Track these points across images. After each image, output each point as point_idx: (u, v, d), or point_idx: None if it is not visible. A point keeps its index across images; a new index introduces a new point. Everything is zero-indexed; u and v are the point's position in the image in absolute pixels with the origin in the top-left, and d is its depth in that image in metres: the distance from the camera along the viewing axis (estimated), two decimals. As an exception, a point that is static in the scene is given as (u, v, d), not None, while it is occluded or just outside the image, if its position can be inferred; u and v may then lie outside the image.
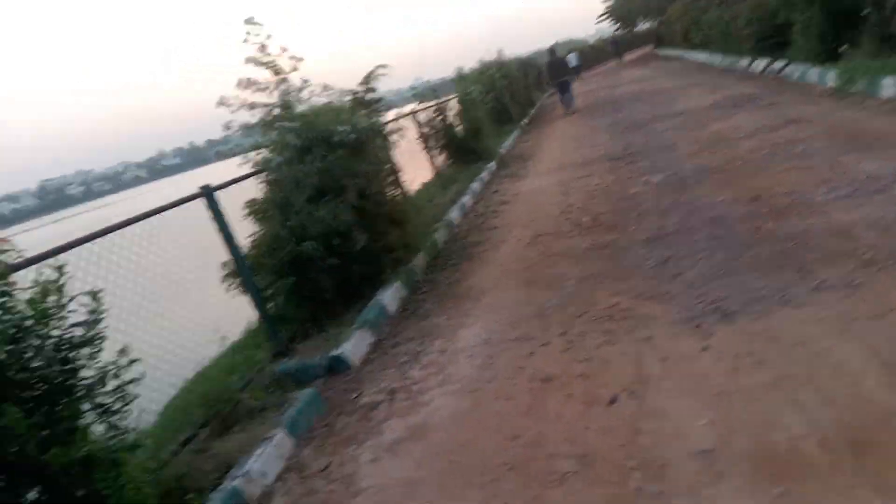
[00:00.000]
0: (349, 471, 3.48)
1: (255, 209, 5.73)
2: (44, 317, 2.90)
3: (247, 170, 5.85)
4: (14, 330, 2.80)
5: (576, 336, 4.24)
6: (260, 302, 5.27)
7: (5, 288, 2.85)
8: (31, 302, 2.83)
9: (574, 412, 3.40)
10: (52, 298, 2.99)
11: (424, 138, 11.27)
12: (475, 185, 10.39)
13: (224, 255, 5.33)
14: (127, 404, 3.28)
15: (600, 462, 2.95)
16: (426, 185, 10.99)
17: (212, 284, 5.22)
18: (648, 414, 3.21)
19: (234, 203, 5.54)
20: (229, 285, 5.61)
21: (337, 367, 4.79)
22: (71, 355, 2.99)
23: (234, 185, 5.48)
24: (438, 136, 11.92)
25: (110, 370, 3.22)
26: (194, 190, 5.01)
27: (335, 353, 4.81)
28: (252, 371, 4.89)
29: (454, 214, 8.67)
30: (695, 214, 5.92)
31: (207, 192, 5.04)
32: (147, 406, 3.77)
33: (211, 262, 5.31)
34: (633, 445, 3.01)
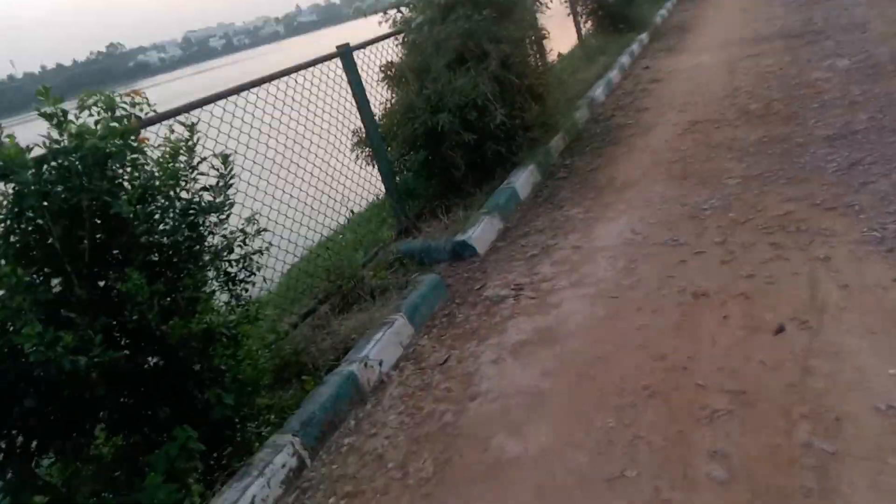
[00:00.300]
0: (468, 369, 3.27)
1: (391, 74, 5.36)
2: (173, 178, 2.74)
3: (385, 30, 5.43)
4: (142, 190, 2.67)
5: (738, 247, 3.68)
6: (389, 174, 5.02)
7: (136, 144, 2.70)
8: (160, 162, 2.67)
9: (732, 338, 2.95)
10: (182, 158, 2.83)
11: (573, 3, 10.23)
12: (624, 59, 9.41)
13: (356, 121, 5.08)
14: (252, 274, 3.18)
15: (761, 403, 2.53)
16: (569, 55, 10.09)
17: (341, 152, 4.99)
18: (823, 352, 2.72)
19: (369, 66, 5.19)
20: (359, 154, 5.40)
21: (462, 252, 4.52)
22: (198, 220, 2.85)
23: (371, 46, 5.10)
24: (587, 1, 10.80)
25: (237, 238, 3.10)
26: (329, 50, 4.69)
27: (461, 237, 4.53)
28: (376, 247, 4.72)
29: (599, 91, 7.90)
30: (892, 110, 4.94)
31: (345, 52, 4.71)
32: (270, 272, 3.70)
33: (342, 128, 5.06)
34: (802, 388, 2.55)
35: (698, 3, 14.44)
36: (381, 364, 3.30)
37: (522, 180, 5.42)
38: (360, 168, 5.26)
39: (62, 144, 2.45)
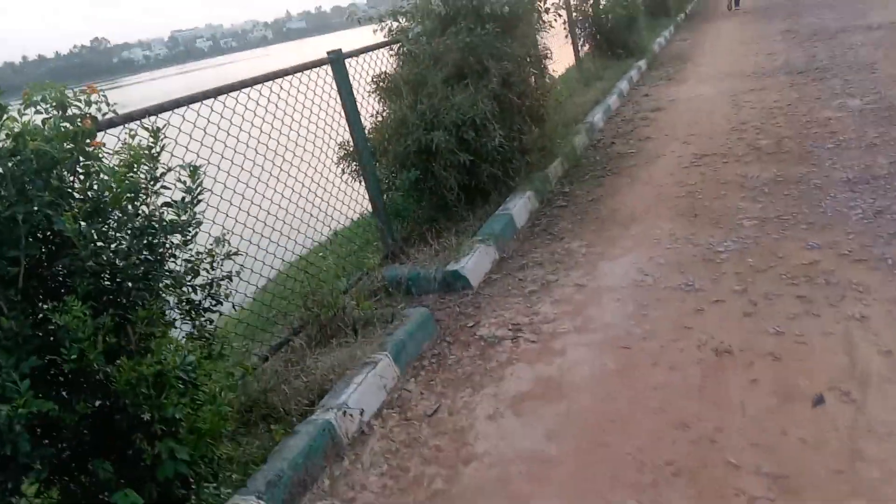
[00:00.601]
0: (462, 423, 2.87)
1: (384, 86, 4.99)
2: (131, 191, 2.32)
3: (379, 39, 5.07)
4: (93, 203, 2.25)
5: (760, 297, 3.35)
6: (377, 193, 4.63)
7: (90, 149, 2.27)
8: (116, 171, 2.24)
9: (763, 406, 2.60)
10: (143, 168, 2.42)
11: (571, 24, 9.96)
12: (623, 85, 9.15)
13: (342, 133, 4.69)
14: (218, 303, 2.77)
15: (807, 492, 2.17)
16: (565, 77, 9.80)
17: (325, 165, 4.59)
18: (872, 431, 2.38)
19: (361, 76, 4.81)
20: (345, 168, 5.01)
21: (453, 283, 4.13)
22: (159, 241, 2.43)
23: (364, 55, 4.73)
24: (586, 23, 10.55)
25: (203, 261, 2.69)
26: (320, 55, 4.30)
27: (453, 267, 4.14)
28: (359, 272, 4.32)
29: (597, 117, 7.60)
30: (916, 156, 4.69)
31: (336, 59, 4.33)
32: (241, 290, 3.29)
33: (327, 140, 4.66)
34: (853, 476, 2.20)
35: (696, 34, 14.33)
36: (361, 413, 2.89)
37: (519, 207, 5.06)
38: (346, 183, 4.87)
39: (-3, 146, 2.03)
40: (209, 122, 3.38)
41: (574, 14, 10.23)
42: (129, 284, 2.24)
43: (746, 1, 17.86)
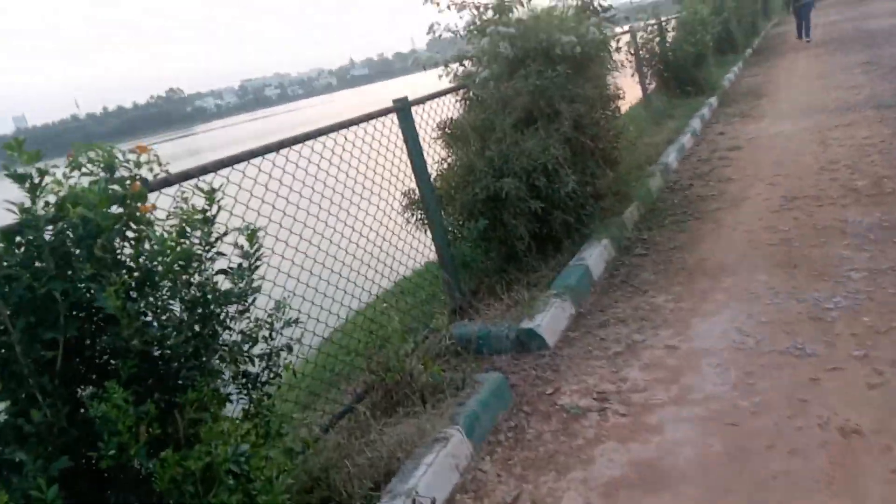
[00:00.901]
0: (548, 515, 2.52)
1: (451, 132, 4.78)
2: (182, 259, 2.12)
3: (445, 84, 4.89)
4: (142, 275, 2.05)
5: (887, 365, 2.90)
6: (444, 243, 4.37)
7: (139, 214, 2.09)
8: (163, 240, 2.04)
9: (915, 508, 2.16)
10: (197, 233, 2.22)
11: (638, 62, 9.66)
12: (695, 123, 8.74)
13: (407, 181, 4.48)
14: (277, 376, 2.53)
15: None
16: (631, 115, 9.46)
17: (388, 216, 4.37)
18: None
19: (426, 122, 4.62)
20: (410, 217, 4.79)
21: (528, 342, 3.81)
22: (213, 312, 2.21)
23: (429, 102, 4.54)
24: (653, 60, 10.23)
25: (262, 328, 2.46)
26: (385, 104, 4.13)
27: (528, 325, 3.82)
28: (425, 328, 4.05)
29: (672, 157, 7.22)
30: None
31: (402, 107, 4.14)
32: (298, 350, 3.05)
33: (392, 189, 4.46)
34: None
35: (766, 69, 13.78)
36: (433, 502, 2.57)
37: (595, 256, 4.72)
38: (411, 235, 4.64)
39: (37, 214, 1.85)
40: (270, 177, 3.21)
41: (641, 52, 9.94)
42: (178, 364, 2.01)
43: (817, 34, 17.21)
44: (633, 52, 9.56)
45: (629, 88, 10.18)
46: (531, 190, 4.55)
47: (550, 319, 3.90)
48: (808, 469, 2.42)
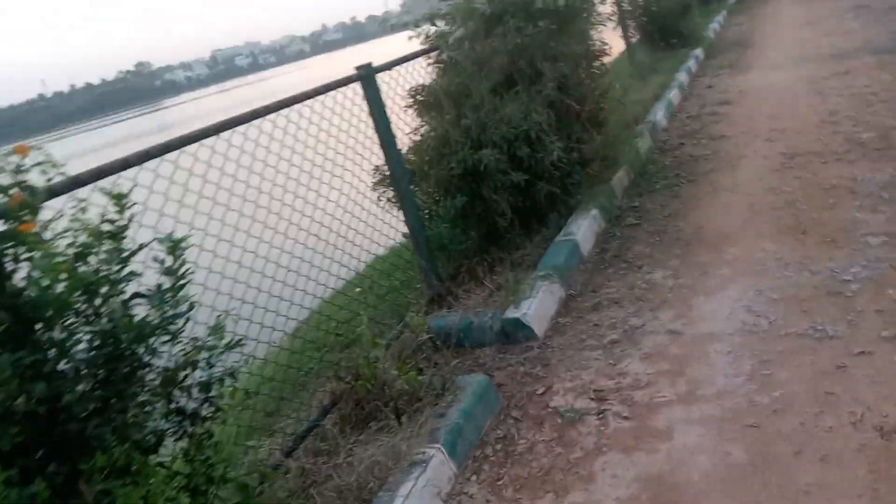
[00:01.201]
0: (546, 546, 2.17)
1: (422, 99, 4.33)
2: (80, 286, 1.70)
3: (416, 47, 4.42)
4: (25, 313, 1.63)
5: (923, 348, 2.56)
6: (418, 226, 3.97)
7: (25, 235, 1.66)
8: (52, 266, 1.61)
9: (978, 530, 1.83)
10: (102, 252, 1.80)
11: (621, 14, 9.16)
12: (682, 77, 8.30)
13: (374, 156, 4.05)
14: (218, 409, 2.14)
15: None
16: (614, 71, 8.98)
17: (349, 198, 3.93)
18: None
19: (393, 92, 4.17)
20: (381, 196, 4.38)
21: (514, 333, 3.44)
22: (123, 349, 1.79)
23: (398, 67, 4.09)
24: (636, 12, 9.73)
25: (196, 356, 2.07)
26: (351, 70, 3.69)
27: (514, 314, 3.44)
28: (398, 323, 3.67)
29: (659, 115, 6.80)
30: None
31: (366, 75, 3.70)
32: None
33: (354, 167, 4.02)
34: None
35: (752, 17, 13.28)
36: (413, 538, 2.22)
37: (584, 230, 4.33)
38: (382, 210, 4.23)
39: None
40: (210, 165, 2.78)
41: (623, 3, 9.44)
42: (81, 422, 1.61)
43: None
44: (616, 2, 9.07)
45: (611, 42, 9.70)
46: (513, 161, 4.14)
47: (538, 306, 3.53)
48: (845, 480, 2.08)
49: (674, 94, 7.59)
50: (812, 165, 4.65)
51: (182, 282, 2.01)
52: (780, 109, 6.21)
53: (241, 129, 2.97)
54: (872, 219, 3.66)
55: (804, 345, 2.78)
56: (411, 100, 4.49)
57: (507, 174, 4.09)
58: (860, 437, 2.23)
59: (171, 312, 1.96)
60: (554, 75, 4.27)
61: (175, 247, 1.98)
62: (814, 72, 7.22)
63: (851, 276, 3.17)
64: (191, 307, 2.06)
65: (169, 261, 1.99)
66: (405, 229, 4.11)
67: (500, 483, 2.49)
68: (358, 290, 4.38)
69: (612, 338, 3.26)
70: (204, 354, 2.11)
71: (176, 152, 2.59)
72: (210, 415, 2.15)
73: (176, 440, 2.13)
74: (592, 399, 2.84)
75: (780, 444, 2.30)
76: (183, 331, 2.06)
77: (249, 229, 3.06)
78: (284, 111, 3.23)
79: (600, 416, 2.72)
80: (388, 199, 4.30)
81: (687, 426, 2.51)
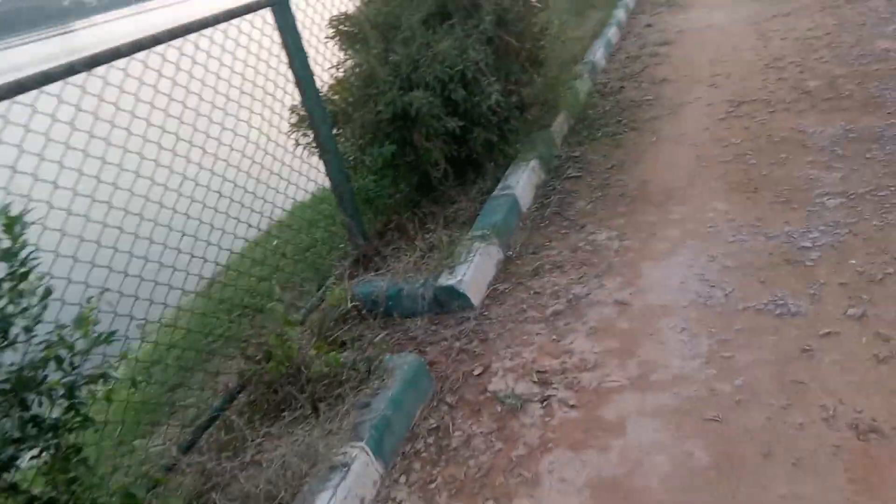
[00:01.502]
0: (487, 568, 1.89)
1: (346, 30, 3.80)
2: None
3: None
4: None
5: (891, 328, 2.36)
6: (340, 177, 3.50)
7: None
8: None
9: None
10: None
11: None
12: (620, 14, 7.93)
13: (290, 98, 3.53)
14: (87, 420, 1.73)
15: None
16: (552, 5, 8.52)
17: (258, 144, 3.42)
18: None
19: (313, 20, 3.62)
20: (299, 140, 3.87)
21: (448, 302, 3.10)
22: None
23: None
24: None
25: (58, 356, 1.65)
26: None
27: (447, 280, 3.09)
28: (319, 286, 3.26)
29: (599, 54, 6.43)
30: None
31: (277, 0, 3.14)
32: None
33: (264, 110, 3.50)
34: None
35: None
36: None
37: (523, 182, 3.98)
38: (298, 156, 3.73)
39: None
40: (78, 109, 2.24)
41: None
42: None
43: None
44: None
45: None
46: (447, 104, 3.71)
47: (475, 271, 3.18)
48: (823, 491, 1.86)
49: (612, 33, 7.22)
50: (759, 115, 4.42)
51: (23, 269, 1.54)
52: (722, 53, 5.94)
53: (121, 62, 2.44)
54: (827, 177, 3.45)
55: (765, 322, 2.55)
56: (333, 30, 3.96)
57: (441, 119, 3.66)
58: (834, 437, 2.01)
59: (12, 309, 1.51)
60: (492, 7, 3.82)
61: (10, 225, 1.50)
62: (755, 13, 6.96)
63: (810, 243, 2.95)
64: (46, 293, 1.61)
65: (6, 241, 1.53)
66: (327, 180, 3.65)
67: (432, 486, 2.18)
68: (276, 242, 3.94)
69: (554, 308, 2.96)
70: (64, 353, 1.67)
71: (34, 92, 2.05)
72: (76, 425, 1.73)
73: (34, 457, 1.73)
74: (535, 382, 2.54)
75: (746, 443, 2.06)
76: (40, 321, 1.62)
77: (138, 169, 2.58)
78: (177, 42, 2.68)
79: (544, 403, 2.43)
80: (308, 145, 3.81)
81: (641, 418, 2.25)
